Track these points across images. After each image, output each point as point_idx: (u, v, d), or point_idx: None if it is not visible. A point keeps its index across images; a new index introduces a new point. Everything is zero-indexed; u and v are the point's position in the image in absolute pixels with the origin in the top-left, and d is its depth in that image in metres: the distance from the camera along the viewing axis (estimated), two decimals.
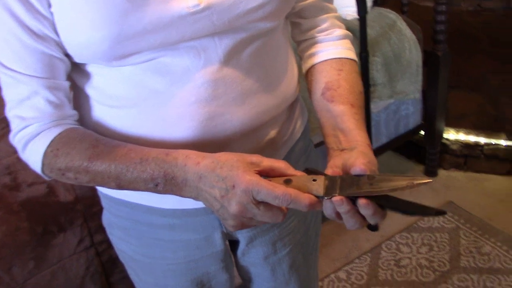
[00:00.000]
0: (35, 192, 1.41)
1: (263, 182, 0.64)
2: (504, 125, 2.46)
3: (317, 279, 1.16)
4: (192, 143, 0.77)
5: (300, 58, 0.94)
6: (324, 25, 0.89)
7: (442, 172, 2.47)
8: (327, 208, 0.66)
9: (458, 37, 2.82)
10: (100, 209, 0.97)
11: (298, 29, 0.90)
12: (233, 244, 0.97)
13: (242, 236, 0.94)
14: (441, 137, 2.35)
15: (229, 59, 0.75)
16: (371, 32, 1.99)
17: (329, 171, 0.68)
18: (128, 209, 0.88)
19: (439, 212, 0.63)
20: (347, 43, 0.89)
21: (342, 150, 0.74)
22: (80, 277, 1.54)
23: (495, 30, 3.26)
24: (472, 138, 2.41)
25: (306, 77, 0.90)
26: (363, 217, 0.66)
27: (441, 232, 2.12)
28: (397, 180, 0.63)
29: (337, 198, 0.64)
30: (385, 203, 0.64)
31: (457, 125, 2.46)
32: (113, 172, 0.72)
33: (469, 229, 2.11)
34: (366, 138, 0.75)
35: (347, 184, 0.65)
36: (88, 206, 1.50)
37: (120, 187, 0.73)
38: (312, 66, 0.88)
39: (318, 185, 0.65)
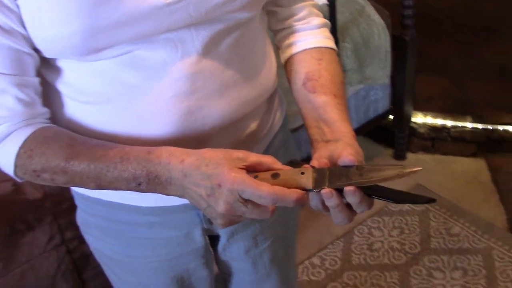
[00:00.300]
0: (0, 190, 1.36)
1: (248, 180, 0.62)
2: (469, 107, 2.50)
3: (296, 268, 1.16)
4: (170, 139, 0.75)
5: (277, 48, 0.92)
6: (301, 14, 0.87)
7: (410, 155, 2.51)
8: (314, 200, 0.65)
9: (423, 21, 2.84)
10: (70, 205, 0.94)
11: (275, 18, 0.88)
12: (214, 239, 0.96)
13: (222, 231, 0.93)
14: (409, 121, 2.38)
15: (207, 51, 0.73)
16: (340, 17, 1.98)
17: (315, 163, 0.67)
18: (106, 208, 0.86)
19: (429, 200, 0.63)
20: (325, 32, 0.88)
21: (327, 141, 0.72)
22: (51, 276, 1.49)
23: (459, 14, 3.31)
24: (439, 121, 2.45)
25: (285, 67, 0.89)
26: (351, 211, 0.65)
27: (411, 215, 2.16)
28: (386, 170, 0.62)
29: (326, 190, 0.63)
30: (375, 192, 0.64)
31: (424, 108, 2.49)
32: (92, 172, 0.69)
33: (438, 211, 2.15)
34: (351, 129, 0.75)
35: (336, 176, 0.63)
36: (57, 203, 1.45)
37: (100, 187, 0.71)
38: (291, 56, 0.86)
39: (307, 178, 0.63)
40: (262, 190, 0.62)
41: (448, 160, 2.46)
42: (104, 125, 0.75)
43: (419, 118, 2.47)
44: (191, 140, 0.76)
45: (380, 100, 2.27)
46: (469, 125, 2.41)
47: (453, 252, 1.96)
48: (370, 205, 0.65)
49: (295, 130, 1.96)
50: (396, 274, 1.91)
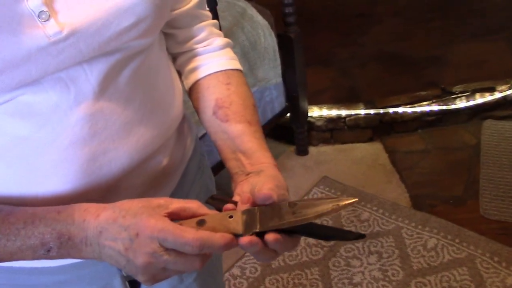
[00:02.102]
0: None
1: (170, 226, 0.56)
2: (359, 95, 2.60)
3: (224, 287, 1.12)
4: (75, 192, 0.66)
5: (179, 74, 0.85)
6: (201, 35, 0.80)
7: (312, 149, 2.55)
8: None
9: (303, 17, 2.90)
10: None
11: (173, 41, 0.81)
12: (134, 282, 0.88)
13: None
14: (307, 115, 2.41)
15: (105, 87, 0.64)
16: (224, 23, 1.95)
17: (237, 198, 0.62)
18: (5, 274, 0.75)
19: (359, 236, 0.60)
20: (229, 52, 0.82)
21: (248, 174, 0.67)
22: None
23: (335, 5, 3.43)
24: (334, 112, 2.51)
25: (189, 95, 0.82)
26: (274, 252, 0.60)
27: None
28: (321, 205, 0.58)
29: (245, 240, 0.57)
30: (305, 230, 0.59)
31: (318, 101, 2.55)
32: None
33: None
34: (271, 158, 0.70)
35: (268, 216, 0.58)
36: None
37: None
38: (196, 82, 0.80)
39: (236, 222, 0.58)
40: (186, 237, 0.55)
41: (348, 148, 2.53)
42: None
43: (315, 112, 2.51)
44: (99, 188, 0.68)
45: (276, 100, 2.28)
46: (362, 112, 2.50)
47: (366, 238, 2.01)
48: (295, 245, 0.61)
49: (201, 137, 1.89)
50: (316, 270, 1.92)
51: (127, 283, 0.84)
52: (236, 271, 1.96)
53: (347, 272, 1.89)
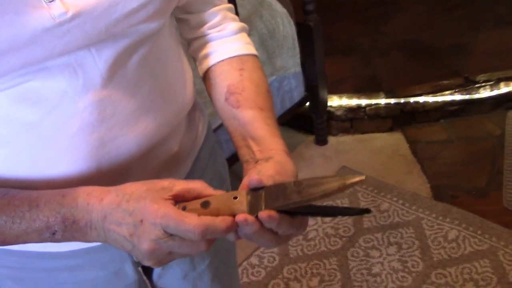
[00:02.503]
0: None
1: (172, 213, 0.55)
2: (380, 84, 2.56)
3: (238, 278, 1.12)
4: (84, 178, 0.66)
5: (193, 59, 0.84)
6: (215, 20, 0.79)
7: (331, 139, 2.52)
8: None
9: (323, 5, 2.87)
10: None
11: (187, 26, 0.80)
12: (147, 268, 0.88)
13: None
14: (326, 105, 2.39)
15: (113, 73, 0.63)
16: (242, 11, 1.93)
17: (244, 188, 0.60)
18: (18, 257, 0.76)
19: (363, 211, 0.59)
20: (244, 37, 0.80)
21: (257, 161, 0.66)
22: None
23: None
24: (354, 102, 2.48)
25: (204, 81, 0.81)
26: (274, 235, 0.59)
27: (341, 198, 2.17)
28: (326, 183, 0.55)
29: (240, 217, 0.55)
30: (308, 210, 0.58)
31: (338, 91, 2.52)
32: None
33: (366, 190, 2.18)
34: (282, 144, 0.68)
35: (273, 196, 0.57)
36: None
37: (5, 243, 0.61)
38: (209, 68, 0.78)
39: (241, 202, 0.57)
40: (188, 223, 0.54)
41: (368, 138, 2.50)
42: (3, 172, 0.65)
43: (335, 101, 2.49)
44: (108, 174, 0.68)
45: (295, 89, 2.26)
46: (382, 101, 2.46)
47: (386, 228, 1.99)
48: (297, 226, 0.59)
49: (214, 130, 1.89)
50: (334, 260, 1.91)
51: (139, 269, 0.84)
52: (254, 260, 1.96)
53: (365, 262, 1.87)
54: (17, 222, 0.59)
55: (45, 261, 0.76)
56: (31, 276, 0.78)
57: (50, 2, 0.56)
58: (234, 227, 0.56)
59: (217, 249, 0.93)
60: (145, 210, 0.56)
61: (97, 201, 0.59)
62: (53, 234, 0.59)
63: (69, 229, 0.59)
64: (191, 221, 0.55)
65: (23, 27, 0.55)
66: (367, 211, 0.58)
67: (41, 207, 0.59)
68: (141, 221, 0.56)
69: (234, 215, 0.56)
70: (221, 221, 0.56)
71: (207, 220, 0.55)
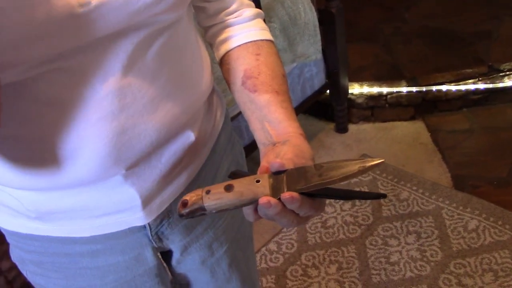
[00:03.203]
0: None
1: None
2: (402, 72, 2.53)
3: (256, 265, 1.13)
4: (105, 163, 0.67)
5: (210, 46, 0.85)
6: (232, 7, 0.79)
7: (352, 127, 2.52)
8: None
9: None
10: (2, 234, 0.85)
11: (204, 14, 0.81)
12: (166, 254, 0.90)
13: (174, 246, 0.87)
14: (347, 93, 2.37)
15: (133, 61, 0.64)
16: None
17: (262, 171, 0.61)
18: (40, 242, 0.78)
19: (380, 195, 0.60)
20: (260, 23, 0.81)
21: (275, 144, 0.67)
22: None
23: None
24: (375, 90, 2.46)
25: (220, 66, 0.82)
26: (295, 215, 0.60)
27: (360, 186, 2.17)
28: (347, 166, 0.57)
29: (264, 200, 0.57)
30: (328, 192, 0.59)
31: (359, 78, 2.50)
32: None
33: (385, 179, 2.17)
34: (298, 127, 0.69)
35: (294, 179, 0.58)
36: None
37: None
38: (226, 54, 0.79)
39: (263, 186, 0.58)
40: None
41: (389, 127, 2.48)
42: (21, 161, 0.67)
43: (356, 89, 2.47)
44: (128, 160, 0.69)
45: (315, 76, 2.25)
46: (404, 89, 2.44)
47: (405, 217, 1.99)
48: (316, 208, 0.60)
49: (234, 118, 1.90)
50: (353, 248, 1.91)
51: (159, 254, 0.86)
52: (272, 246, 1.98)
53: (384, 251, 1.88)
54: None
55: (67, 246, 0.78)
56: (53, 261, 0.80)
57: None
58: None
59: (234, 236, 0.94)
60: None
61: None
62: None
63: None
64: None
65: (51, 13, 0.56)
66: (383, 195, 0.59)
67: None
68: None
69: (257, 198, 0.58)
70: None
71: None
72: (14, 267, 1.39)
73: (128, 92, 0.65)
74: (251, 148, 1.86)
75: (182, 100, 0.73)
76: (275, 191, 0.58)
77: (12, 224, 0.78)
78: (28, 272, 0.85)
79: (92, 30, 0.60)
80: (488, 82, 2.42)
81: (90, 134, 0.65)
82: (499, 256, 1.78)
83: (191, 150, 0.78)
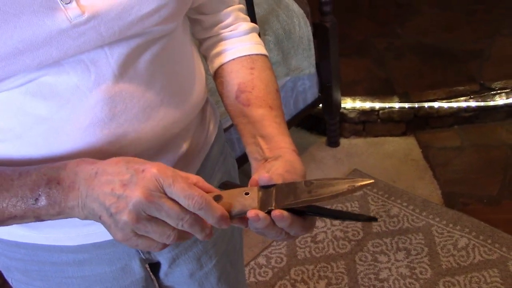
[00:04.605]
0: None
1: (180, 176, 0.56)
2: (394, 87, 2.54)
3: (245, 278, 1.12)
4: None
5: (204, 58, 0.85)
6: (228, 20, 0.80)
7: (343, 141, 2.52)
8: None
9: (339, 4, 2.85)
10: None
11: (200, 26, 0.81)
12: (154, 265, 0.89)
13: (162, 258, 0.87)
14: (339, 107, 2.38)
15: (125, 70, 0.64)
16: (259, 10, 1.93)
17: (252, 183, 0.62)
18: (26, 250, 0.77)
19: (370, 218, 0.60)
20: (255, 37, 0.81)
21: (266, 159, 0.67)
22: None
23: None
24: (367, 105, 2.47)
25: (214, 79, 0.82)
26: (284, 231, 0.60)
27: (351, 201, 2.16)
28: (336, 185, 0.58)
29: (252, 213, 0.57)
30: (317, 210, 0.59)
31: (351, 92, 2.51)
32: None
33: (376, 194, 2.17)
34: (290, 143, 0.69)
35: (284, 194, 0.58)
36: None
37: None
38: (220, 67, 0.79)
39: (252, 198, 0.58)
40: (193, 188, 0.55)
41: (380, 142, 2.49)
42: (14, 164, 0.66)
43: (348, 103, 2.48)
44: None
45: (308, 90, 2.25)
46: (396, 105, 2.45)
47: (395, 234, 1.98)
48: (306, 227, 0.60)
49: (226, 129, 1.90)
50: (342, 264, 1.90)
51: (147, 266, 0.85)
52: (261, 260, 1.96)
53: (373, 267, 1.87)
54: (4, 190, 0.59)
55: (54, 254, 0.77)
56: (39, 269, 0.79)
57: (67, 4, 0.57)
58: (225, 222, 0.57)
59: (224, 249, 0.94)
60: (151, 164, 0.55)
61: (89, 163, 0.58)
62: (36, 199, 0.58)
63: (52, 194, 0.58)
64: (196, 189, 0.55)
65: (39, 28, 0.56)
66: (374, 219, 0.60)
67: (30, 172, 0.59)
68: (143, 170, 0.55)
69: (245, 210, 0.58)
70: (219, 208, 0.56)
71: (209, 198, 0.56)
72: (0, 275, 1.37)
73: (119, 100, 0.65)
74: (243, 161, 1.85)
75: (174, 110, 0.72)
76: (263, 205, 0.58)
77: None
78: (13, 280, 0.84)
79: (83, 43, 0.60)
80: (480, 100, 2.43)
81: (81, 140, 0.65)
82: (488, 275, 1.78)
83: (183, 161, 0.77)
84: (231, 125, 1.87)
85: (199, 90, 0.79)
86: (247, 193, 0.59)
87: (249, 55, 0.79)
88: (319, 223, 2.08)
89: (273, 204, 0.58)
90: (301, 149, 2.45)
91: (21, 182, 0.59)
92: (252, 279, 1.90)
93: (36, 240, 0.75)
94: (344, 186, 0.57)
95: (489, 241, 1.90)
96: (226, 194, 0.59)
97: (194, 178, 0.59)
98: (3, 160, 0.66)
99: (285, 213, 0.57)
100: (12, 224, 0.62)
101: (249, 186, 0.62)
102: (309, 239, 2.01)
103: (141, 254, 0.82)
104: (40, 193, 0.58)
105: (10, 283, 0.87)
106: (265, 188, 0.60)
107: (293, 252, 1.97)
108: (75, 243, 0.76)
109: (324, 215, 0.61)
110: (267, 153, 0.68)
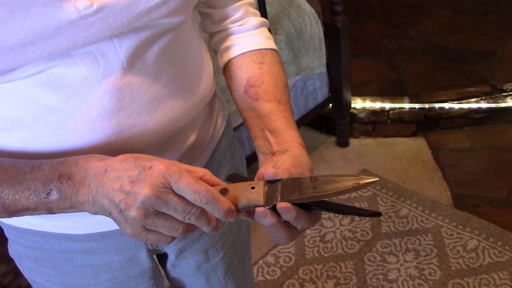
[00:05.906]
0: None
1: (186, 172, 0.56)
2: (405, 88, 2.53)
3: (252, 272, 1.12)
4: None
5: (214, 52, 0.85)
6: (237, 15, 0.80)
7: (353, 141, 2.51)
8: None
9: (351, 6, 2.85)
10: None
11: (210, 20, 0.81)
12: (162, 256, 0.90)
13: (170, 250, 0.87)
14: (349, 107, 2.37)
15: (133, 62, 0.65)
16: (270, 9, 1.93)
17: (259, 178, 0.62)
18: (38, 238, 0.78)
19: (375, 214, 0.60)
20: (264, 32, 0.82)
21: (274, 153, 0.67)
22: None
23: None
24: (377, 105, 2.46)
25: (224, 73, 0.82)
26: (289, 230, 0.61)
27: (360, 201, 2.16)
28: (342, 181, 0.58)
29: (261, 210, 0.58)
30: (322, 205, 0.60)
31: (361, 93, 2.50)
32: None
33: (385, 195, 2.16)
34: (298, 137, 0.70)
35: (289, 189, 0.59)
36: None
37: (6, 210, 0.61)
38: (230, 61, 0.80)
39: (258, 193, 0.59)
40: (200, 183, 0.56)
41: (390, 142, 2.48)
42: (21, 155, 0.67)
43: (358, 103, 2.47)
44: None
45: (319, 89, 2.25)
46: (407, 105, 2.44)
47: (404, 234, 1.98)
48: (312, 220, 0.60)
49: (236, 128, 1.90)
50: (351, 264, 1.90)
51: (154, 256, 0.85)
52: (270, 259, 1.96)
53: (382, 268, 1.87)
54: (17, 183, 0.60)
55: (63, 242, 0.78)
56: (49, 257, 0.80)
57: None
58: (232, 215, 0.58)
59: (231, 242, 0.94)
60: (157, 161, 0.56)
61: (99, 159, 0.59)
62: (48, 194, 0.59)
63: (63, 189, 0.59)
64: (202, 184, 0.56)
65: (49, 18, 0.57)
66: (379, 214, 0.60)
67: (42, 167, 0.60)
68: (150, 167, 0.56)
69: (251, 204, 0.59)
70: (225, 202, 0.57)
71: (215, 192, 0.57)
72: (9, 271, 1.38)
73: (127, 91, 0.66)
74: (252, 159, 1.85)
75: (181, 103, 0.73)
76: (269, 199, 0.59)
77: (10, 218, 0.78)
78: (25, 268, 0.86)
79: (92, 34, 0.60)
80: (491, 101, 2.42)
81: (88, 131, 0.66)
82: (498, 277, 1.77)
83: (191, 153, 0.78)
84: (241, 124, 1.88)
85: (206, 84, 0.79)
86: (253, 187, 0.59)
87: (258, 49, 0.79)
88: (328, 222, 2.08)
89: (278, 199, 0.58)
90: (310, 149, 2.45)
91: (34, 175, 0.60)
92: (260, 277, 1.90)
93: (46, 228, 0.76)
94: (349, 183, 0.58)
95: (499, 243, 1.88)
96: (232, 187, 0.60)
97: (202, 171, 0.60)
98: (13, 151, 0.67)
99: (290, 205, 0.58)
100: (25, 215, 0.63)
101: (255, 179, 0.62)
102: (317, 239, 2.01)
103: (149, 244, 0.82)
104: (52, 187, 0.59)
105: (22, 272, 0.88)
106: (271, 182, 0.60)
107: (301, 252, 1.97)
108: (83, 232, 0.77)
109: (329, 209, 0.61)
110: (274, 147, 0.69)
